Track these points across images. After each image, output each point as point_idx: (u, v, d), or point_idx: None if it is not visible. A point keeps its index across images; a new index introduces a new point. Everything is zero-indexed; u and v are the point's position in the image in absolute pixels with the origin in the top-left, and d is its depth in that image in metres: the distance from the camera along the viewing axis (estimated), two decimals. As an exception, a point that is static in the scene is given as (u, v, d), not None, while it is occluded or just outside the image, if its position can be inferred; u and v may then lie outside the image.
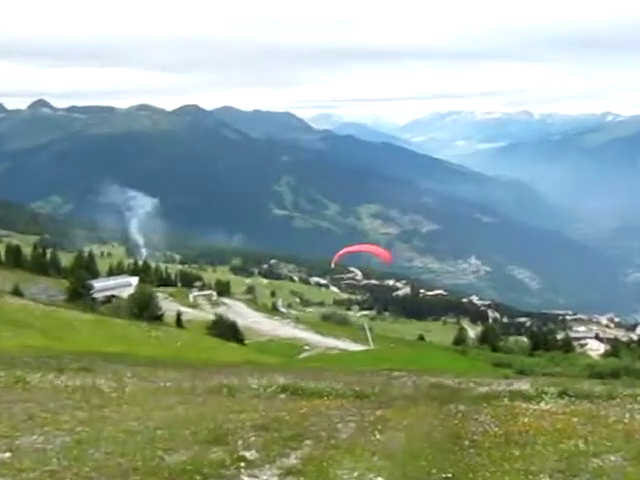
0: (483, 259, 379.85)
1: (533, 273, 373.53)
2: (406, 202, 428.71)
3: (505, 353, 76.58)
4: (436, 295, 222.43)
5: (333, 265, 52.22)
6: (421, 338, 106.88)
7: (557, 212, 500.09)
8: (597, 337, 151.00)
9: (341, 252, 48.34)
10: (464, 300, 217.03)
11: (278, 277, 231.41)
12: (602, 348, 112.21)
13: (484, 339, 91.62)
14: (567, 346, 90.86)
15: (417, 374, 21.34)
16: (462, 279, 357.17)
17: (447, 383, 18.56)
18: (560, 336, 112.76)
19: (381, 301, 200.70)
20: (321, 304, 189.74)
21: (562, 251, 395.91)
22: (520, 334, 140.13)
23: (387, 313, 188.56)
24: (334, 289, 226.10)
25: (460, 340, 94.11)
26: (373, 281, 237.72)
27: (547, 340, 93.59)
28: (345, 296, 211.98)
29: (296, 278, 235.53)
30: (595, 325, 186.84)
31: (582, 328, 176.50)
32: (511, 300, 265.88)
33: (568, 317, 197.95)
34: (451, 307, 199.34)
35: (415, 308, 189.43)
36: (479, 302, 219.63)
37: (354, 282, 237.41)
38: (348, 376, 20.87)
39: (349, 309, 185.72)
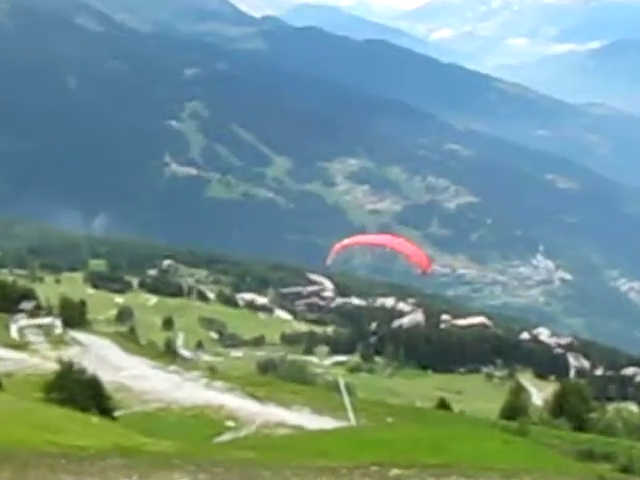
0: (559, 259, 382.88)
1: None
2: (416, 154, 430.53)
3: (599, 434, 77.29)
4: (472, 326, 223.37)
5: (329, 262, 52.07)
6: (443, 405, 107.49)
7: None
8: None
9: (343, 243, 48.45)
10: (524, 335, 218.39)
11: (177, 292, 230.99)
12: None
13: (560, 408, 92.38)
14: None
15: (436, 473, 21.43)
16: (520, 296, 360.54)
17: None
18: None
19: (371, 336, 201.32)
20: (258, 343, 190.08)
21: None
22: (627, 398, 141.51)
23: (380, 359, 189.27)
24: (283, 314, 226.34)
25: (516, 410, 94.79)
26: (354, 300, 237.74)
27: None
28: (303, 327, 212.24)
29: (211, 294, 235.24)
30: None
31: None
32: (611, 335, 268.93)
33: None
34: (499, 348, 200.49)
35: (433, 350, 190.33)
36: (551, 339, 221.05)
37: (320, 302, 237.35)
38: (307, 477, 20.92)
39: (310, 352, 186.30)
